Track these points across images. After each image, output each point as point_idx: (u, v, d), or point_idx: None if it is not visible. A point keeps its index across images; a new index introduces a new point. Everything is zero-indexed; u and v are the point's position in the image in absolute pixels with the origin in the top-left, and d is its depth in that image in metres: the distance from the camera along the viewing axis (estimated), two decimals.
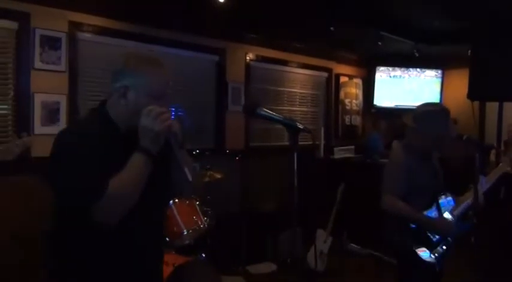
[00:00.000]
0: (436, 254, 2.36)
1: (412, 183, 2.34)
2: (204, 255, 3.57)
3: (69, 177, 1.39)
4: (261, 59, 5.45)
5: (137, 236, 1.52)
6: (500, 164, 2.76)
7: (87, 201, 1.35)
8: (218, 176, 3.79)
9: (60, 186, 1.42)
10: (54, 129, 3.47)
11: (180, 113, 4.55)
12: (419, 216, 2.35)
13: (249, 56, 5.32)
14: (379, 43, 5.16)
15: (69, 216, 1.46)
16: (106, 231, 1.41)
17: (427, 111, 2.49)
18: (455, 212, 2.45)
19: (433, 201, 2.39)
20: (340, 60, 6.60)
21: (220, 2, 3.89)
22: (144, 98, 1.49)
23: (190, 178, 1.48)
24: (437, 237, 2.38)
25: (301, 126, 1.15)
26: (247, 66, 5.31)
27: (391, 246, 2.45)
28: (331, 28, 4.74)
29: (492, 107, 3.40)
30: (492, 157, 3.96)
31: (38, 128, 3.54)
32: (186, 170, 1.48)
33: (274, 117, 1.26)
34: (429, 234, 2.35)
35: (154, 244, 1.65)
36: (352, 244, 2.69)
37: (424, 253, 2.34)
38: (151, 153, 1.45)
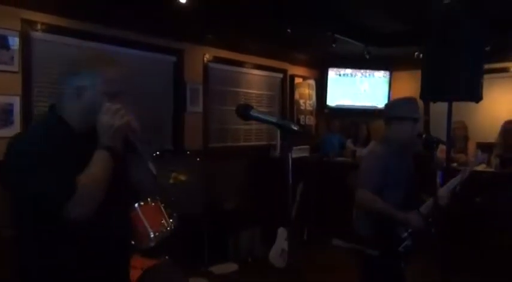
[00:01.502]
0: (403, 250, 2.48)
1: (387, 179, 2.45)
2: (167, 257, 3.54)
3: (38, 182, 1.39)
4: (218, 60, 5.47)
5: (102, 235, 1.53)
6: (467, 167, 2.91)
7: (60, 201, 1.37)
8: (182, 177, 3.78)
9: (31, 192, 1.41)
10: (8, 132, 3.33)
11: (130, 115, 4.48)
12: (392, 211, 2.44)
13: (207, 57, 5.32)
14: (333, 45, 5.32)
15: (35, 218, 1.46)
16: (72, 229, 1.43)
17: (399, 99, 2.72)
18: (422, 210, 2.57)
19: (406, 198, 2.50)
20: (295, 62, 6.74)
21: (180, 3, 3.87)
22: (100, 97, 1.50)
23: (155, 171, 1.53)
24: (405, 233, 2.50)
25: (295, 127, 1.19)
26: (205, 67, 5.31)
27: (360, 239, 2.54)
28: (288, 30, 4.84)
29: (435, 106, 3.60)
30: (439, 153, 4.22)
31: None
32: (150, 164, 1.52)
33: (268, 119, 1.30)
34: (398, 230, 2.47)
35: (119, 242, 1.65)
36: (335, 238, 2.77)
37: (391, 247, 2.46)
38: (113, 149, 1.48)
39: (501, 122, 5.26)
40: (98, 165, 1.45)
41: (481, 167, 4.59)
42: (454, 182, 2.72)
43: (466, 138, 5.30)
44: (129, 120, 1.51)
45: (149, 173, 1.58)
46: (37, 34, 3.74)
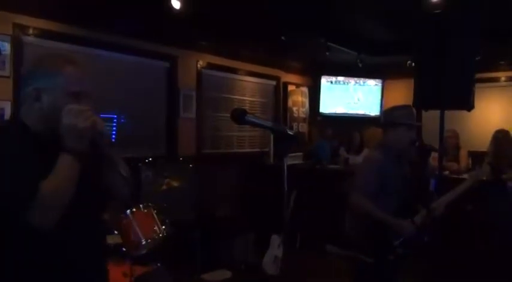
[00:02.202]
0: (394, 257, 2.48)
1: (382, 185, 2.45)
2: (159, 264, 3.51)
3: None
4: (212, 66, 5.48)
5: (73, 241, 1.46)
6: (467, 178, 2.88)
7: (19, 205, 1.31)
8: (175, 184, 3.76)
9: None
10: None
11: (122, 121, 4.46)
12: (386, 217, 2.44)
13: (200, 64, 5.33)
14: (327, 53, 5.35)
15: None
16: (40, 233, 1.36)
17: (396, 106, 2.71)
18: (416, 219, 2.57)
19: (400, 206, 2.50)
20: (288, 69, 6.77)
21: (174, 9, 3.86)
22: (61, 98, 1.42)
23: (125, 173, 1.48)
24: (397, 241, 2.50)
25: (291, 133, 1.18)
26: (199, 73, 5.31)
27: (353, 246, 2.53)
28: (282, 37, 4.86)
29: (426, 114, 3.63)
30: (431, 161, 4.24)
31: None
32: (120, 165, 1.48)
33: (263, 123, 1.29)
34: (391, 236, 2.47)
35: (92, 246, 1.57)
36: (329, 245, 2.76)
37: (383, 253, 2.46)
38: (77, 152, 1.39)
39: (492, 131, 5.30)
40: (61, 170, 1.37)
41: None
42: (452, 194, 2.69)
43: (457, 147, 5.33)
44: (95, 122, 1.43)
45: (120, 176, 1.51)
46: (29, 39, 3.72)
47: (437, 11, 3.96)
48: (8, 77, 3.53)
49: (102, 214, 1.74)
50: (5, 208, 1.35)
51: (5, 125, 1.58)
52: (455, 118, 4.81)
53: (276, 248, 4.54)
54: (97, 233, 1.63)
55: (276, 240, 4.60)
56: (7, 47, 3.53)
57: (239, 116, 1.24)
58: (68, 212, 1.37)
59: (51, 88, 1.42)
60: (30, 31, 3.72)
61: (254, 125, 1.29)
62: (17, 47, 3.61)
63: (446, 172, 4.80)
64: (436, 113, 3.32)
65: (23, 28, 3.67)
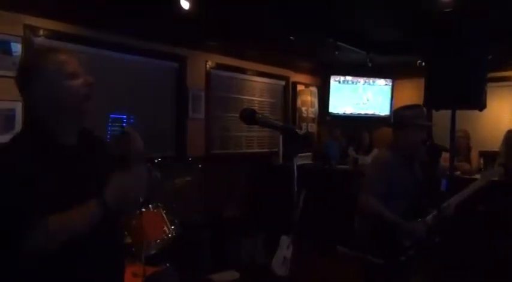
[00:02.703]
0: (405, 259, 2.46)
1: (392, 186, 2.42)
2: (168, 265, 3.51)
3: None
4: (220, 67, 5.48)
5: (87, 261, 1.39)
6: (478, 178, 2.84)
7: (18, 231, 1.23)
8: (184, 184, 3.76)
9: None
10: (9, 138, 3.31)
11: (131, 121, 4.47)
12: (396, 218, 2.42)
13: (209, 64, 5.33)
14: (336, 53, 5.32)
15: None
16: (49, 259, 1.29)
17: (406, 106, 2.67)
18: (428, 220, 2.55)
19: (411, 207, 2.48)
20: (297, 69, 6.75)
21: (183, 10, 3.86)
22: (62, 82, 1.40)
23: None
24: (408, 242, 2.47)
25: (300, 133, 1.17)
26: (208, 73, 5.31)
27: (363, 247, 2.51)
28: (291, 37, 4.84)
29: (436, 113, 3.58)
30: (442, 161, 4.20)
31: None
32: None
33: (273, 123, 1.28)
34: (401, 237, 2.44)
35: (110, 250, 1.49)
36: (339, 246, 2.74)
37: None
38: (110, 211, 1.30)
39: (503, 131, 5.24)
40: (82, 216, 1.29)
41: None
42: (463, 194, 2.66)
43: (468, 147, 5.28)
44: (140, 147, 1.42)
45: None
46: (39, 40, 3.74)
47: (448, 10, 3.93)
48: None
49: (118, 225, 1.65)
50: (6, 232, 1.27)
51: (17, 137, 1.44)
52: (466, 118, 4.75)
53: (285, 249, 4.52)
54: (114, 234, 1.54)
55: (285, 240, 4.58)
56: (18, 48, 3.56)
57: (248, 116, 1.23)
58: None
59: (45, 78, 1.40)
60: (41, 32, 3.75)
61: (263, 125, 1.28)
62: (28, 48, 3.63)
63: (458, 172, 4.76)
64: (446, 113, 3.28)
65: (34, 29, 3.70)
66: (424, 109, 2.70)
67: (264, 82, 6.22)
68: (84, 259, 1.37)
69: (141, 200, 1.36)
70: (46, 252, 1.27)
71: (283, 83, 6.57)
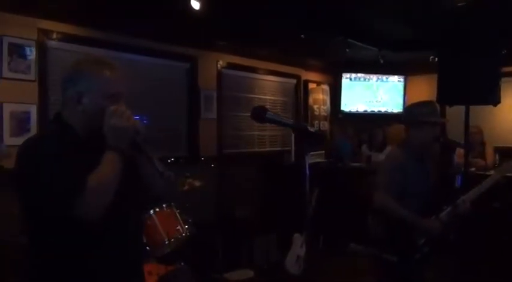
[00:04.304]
0: (420, 256, 2.44)
1: (406, 183, 2.41)
2: (183, 264, 3.54)
3: (48, 180, 1.39)
4: (232, 66, 5.49)
5: (117, 237, 1.54)
6: (492, 173, 2.80)
7: (69, 198, 1.37)
8: (197, 184, 3.78)
9: (42, 192, 1.41)
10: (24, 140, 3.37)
11: (144, 122, 4.50)
12: (410, 216, 2.41)
13: (220, 64, 5.34)
14: (347, 50, 5.29)
15: (48, 222, 1.46)
16: (86, 231, 1.44)
17: (417, 103, 2.65)
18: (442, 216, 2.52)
19: (425, 204, 2.46)
20: (308, 67, 6.72)
21: (194, 10, 3.88)
22: (101, 100, 1.51)
23: (161, 169, 1.53)
24: (422, 240, 2.45)
25: (312, 130, 1.17)
26: (219, 73, 5.33)
27: (377, 245, 2.50)
28: (302, 35, 4.83)
29: (449, 109, 3.53)
30: (456, 157, 4.15)
31: (8, 139, 3.42)
32: (156, 162, 1.53)
33: (283, 120, 1.28)
34: (416, 236, 2.43)
35: (134, 246, 1.66)
36: (352, 244, 2.73)
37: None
38: (121, 149, 1.49)
39: None
40: (107, 165, 1.46)
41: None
42: (478, 190, 2.62)
43: (482, 143, 5.21)
44: (135, 122, 1.53)
45: (157, 173, 1.57)
46: (53, 43, 3.79)
47: (461, 4, 3.88)
48: (33, 81, 3.61)
49: (142, 213, 1.81)
50: (55, 202, 1.41)
51: (50, 128, 1.67)
52: (480, 113, 4.68)
53: (298, 248, 4.52)
54: (136, 232, 1.69)
55: (298, 239, 4.58)
56: (32, 52, 3.61)
57: (259, 114, 1.23)
58: (109, 212, 1.43)
59: (91, 91, 1.51)
60: (54, 36, 3.80)
61: (274, 123, 1.28)
62: (42, 51, 3.69)
63: (473, 169, 4.70)
64: (459, 109, 3.24)
65: (47, 33, 3.75)
66: (437, 105, 2.66)
67: (275, 81, 6.22)
68: (113, 237, 1.52)
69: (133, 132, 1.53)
70: (94, 214, 1.40)
71: (294, 81, 6.56)
